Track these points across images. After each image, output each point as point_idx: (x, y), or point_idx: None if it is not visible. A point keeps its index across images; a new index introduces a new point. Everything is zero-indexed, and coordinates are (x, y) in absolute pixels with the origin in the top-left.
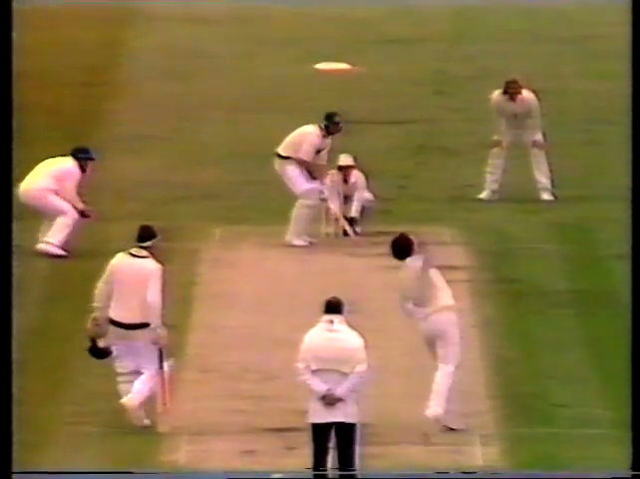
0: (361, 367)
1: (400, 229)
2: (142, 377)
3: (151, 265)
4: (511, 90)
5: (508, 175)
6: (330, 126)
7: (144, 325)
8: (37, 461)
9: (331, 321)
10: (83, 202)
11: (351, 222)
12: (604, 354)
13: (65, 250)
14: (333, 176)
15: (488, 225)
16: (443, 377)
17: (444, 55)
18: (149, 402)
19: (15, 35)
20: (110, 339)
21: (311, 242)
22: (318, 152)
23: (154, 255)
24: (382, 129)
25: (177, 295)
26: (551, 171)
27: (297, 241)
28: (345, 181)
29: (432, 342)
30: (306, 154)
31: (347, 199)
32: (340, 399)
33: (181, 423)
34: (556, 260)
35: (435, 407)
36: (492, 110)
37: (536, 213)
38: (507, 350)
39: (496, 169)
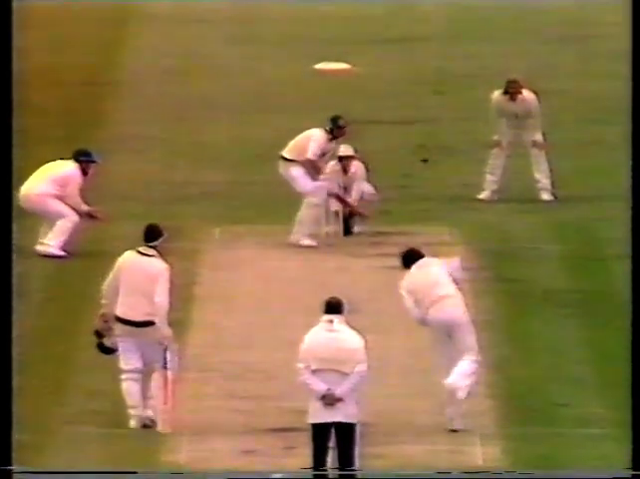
0: (361, 367)
1: (400, 229)
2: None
3: (159, 265)
4: (512, 90)
5: (508, 175)
6: (335, 129)
7: (150, 323)
8: (37, 461)
9: (331, 321)
10: (88, 204)
11: (348, 218)
12: (604, 354)
13: (65, 251)
14: (333, 166)
15: (488, 225)
16: (469, 364)
17: (444, 54)
18: (149, 402)
19: (15, 34)
20: (116, 336)
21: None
22: (322, 155)
23: (161, 255)
24: (382, 129)
25: (178, 295)
26: (551, 171)
27: (306, 241)
28: (345, 171)
29: (448, 333)
30: (313, 154)
31: (346, 190)
32: (340, 399)
33: (182, 423)
34: (556, 260)
35: (456, 377)
36: (493, 110)
37: (536, 213)
38: (507, 350)
39: (496, 169)
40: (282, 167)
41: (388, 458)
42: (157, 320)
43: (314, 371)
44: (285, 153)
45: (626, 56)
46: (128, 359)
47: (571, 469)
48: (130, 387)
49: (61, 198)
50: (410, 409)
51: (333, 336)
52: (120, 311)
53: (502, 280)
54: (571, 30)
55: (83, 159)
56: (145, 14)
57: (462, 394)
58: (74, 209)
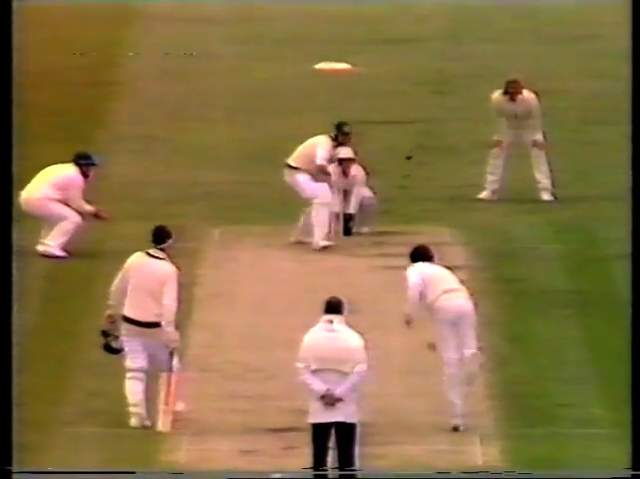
0: (361, 367)
1: (400, 229)
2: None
3: (167, 268)
4: (512, 90)
5: (508, 175)
6: (340, 136)
7: (157, 324)
8: (37, 461)
9: (331, 321)
10: (91, 204)
11: (349, 219)
12: (604, 354)
13: (65, 252)
14: (333, 169)
15: (488, 225)
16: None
17: (443, 55)
18: (149, 402)
19: (15, 34)
20: (122, 336)
21: (311, 242)
22: (330, 161)
23: (169, 257)
24: (382, 129)
25: (178, 295)
26: (551, 171)
27: (324, 243)
28: (345, 174)
29: (456, 324)
30: (322, 159)
31: (346, 193)
32: (340, 399)
33: (182, 423)
34: (556, 260)
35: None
36: (493, 110)
37: (536, 213)
38: (507, 350)
39: (496, 169)
40: (288, 174)
41: (388, 458)
42: (163, 323)
43: (314, 371)
44: (291, 161)
45: (626, 56)
46: (134, 359)
47: (571, 469)
48: (133, 386)
49: (62, 201)
50: (410, 409)
51: (333, 336)
52: (127, 312)
53: (502, 280)
54: (571, 30)
55: (83, 162)
56: (145, 14)
57: (471, 378)
58: (77, 211)
